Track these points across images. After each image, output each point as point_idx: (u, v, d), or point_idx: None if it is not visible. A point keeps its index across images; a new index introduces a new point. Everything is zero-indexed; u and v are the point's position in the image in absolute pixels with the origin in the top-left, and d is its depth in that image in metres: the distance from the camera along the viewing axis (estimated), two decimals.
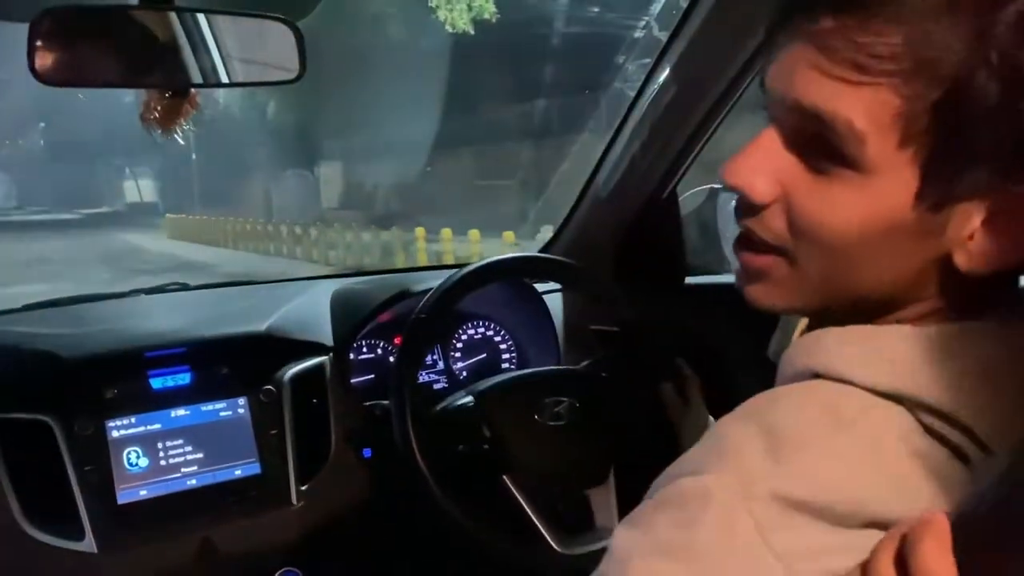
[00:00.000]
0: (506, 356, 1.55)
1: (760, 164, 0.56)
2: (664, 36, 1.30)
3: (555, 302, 1.54)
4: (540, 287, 1.53)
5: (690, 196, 1.52)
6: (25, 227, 20.58)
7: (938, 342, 0.52)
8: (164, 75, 0.97)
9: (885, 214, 0.53)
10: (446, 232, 10.20)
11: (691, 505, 0.50)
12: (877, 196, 0.52)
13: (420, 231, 10.03)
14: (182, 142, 1.02)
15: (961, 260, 0.52)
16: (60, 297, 1.42)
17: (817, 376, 0.55)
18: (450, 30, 9.83)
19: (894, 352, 0.52)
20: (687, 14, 1.23)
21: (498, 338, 1.55)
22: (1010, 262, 0.52)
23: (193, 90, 1.02)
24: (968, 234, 0.52)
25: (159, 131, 1.01)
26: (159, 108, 0.99)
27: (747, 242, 0.60)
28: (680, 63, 1.27)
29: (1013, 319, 0.53)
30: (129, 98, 1.07)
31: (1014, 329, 0.52)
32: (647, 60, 1.37)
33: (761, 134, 0.57)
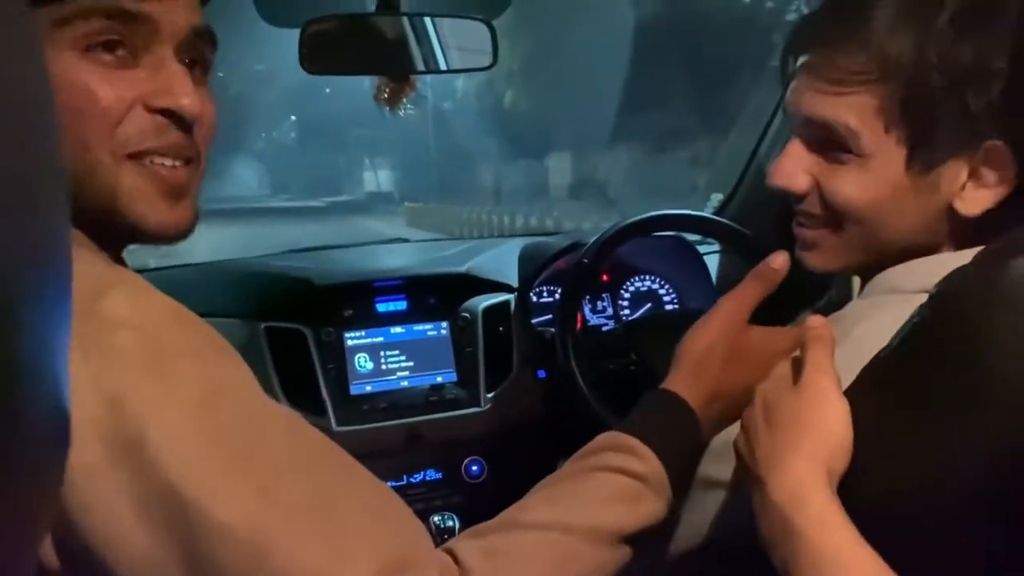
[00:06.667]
0: (669, 308, 1.76)
1: (794, 165, 0.77)
2: None
3: (713, 262, 1.73)
4: (701, 249, 1.74)
5: None
6: (277, 213, 21.82)
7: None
8: (392, 64, 1.29)
9: (888, 183, 0.73)
10: None
11: None
12: (879, 171, 0.74)
13: None
14: (402, 115, 1.33)
15: (960, 207, 0.72)
16: (312, 245, 1.83)
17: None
18: None
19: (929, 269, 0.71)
20: None
21: (663, 291, 1.76)
22: (996, 201, 0.71)
23: (412, 75, 1.33)
24: (960, 186, 0.71)
25: (387, 108, 1.34)
26: (388, 90, 1.31)
27: (800, 222, 0.80)
28: None
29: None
30: (367, 87, 1.39)
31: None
32: None
33: (789, 144, 0.78)
